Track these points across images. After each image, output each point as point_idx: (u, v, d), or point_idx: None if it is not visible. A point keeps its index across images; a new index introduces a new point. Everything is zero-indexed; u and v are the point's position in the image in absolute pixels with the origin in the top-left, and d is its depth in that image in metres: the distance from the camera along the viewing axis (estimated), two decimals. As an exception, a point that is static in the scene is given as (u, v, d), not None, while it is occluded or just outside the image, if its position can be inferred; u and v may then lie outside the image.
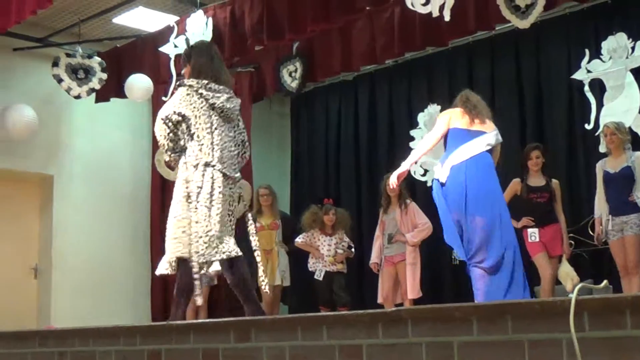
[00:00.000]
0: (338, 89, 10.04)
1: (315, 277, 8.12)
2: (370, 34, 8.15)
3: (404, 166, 5.65)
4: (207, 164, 4.25)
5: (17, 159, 8.38)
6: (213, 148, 4.28)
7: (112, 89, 8.71)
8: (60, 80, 8.41)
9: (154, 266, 8.74)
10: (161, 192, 9.32)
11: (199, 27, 7.92)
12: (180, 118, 4.32)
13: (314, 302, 7.94)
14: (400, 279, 7.72)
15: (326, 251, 8.17)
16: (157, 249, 8.81)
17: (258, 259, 4.59)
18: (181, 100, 4.34)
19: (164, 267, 4.33)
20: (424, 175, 8.87)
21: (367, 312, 2.96)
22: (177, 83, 4.47)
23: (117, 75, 8.68)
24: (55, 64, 8.46)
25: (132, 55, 8.73)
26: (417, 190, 8.59)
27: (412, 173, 8.64)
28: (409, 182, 8.17)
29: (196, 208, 4.21)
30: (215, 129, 4.34)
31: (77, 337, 4.23)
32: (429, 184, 8.02)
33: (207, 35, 7.80)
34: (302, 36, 7.96)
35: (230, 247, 4.22)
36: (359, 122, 9.72)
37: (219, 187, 4.24)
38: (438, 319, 2.73)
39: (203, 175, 4.22)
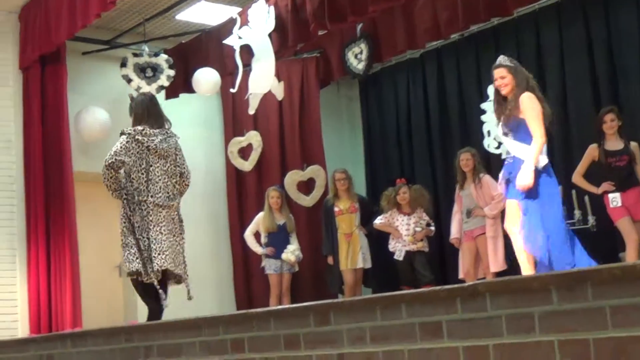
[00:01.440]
0: (405, 68, 9.87)
1: (395, 257, 8.06)
2: (433, 9, 8.01)
3: (531, 163, 5.38)
4: (140, 201, 5.07)
5: (94, 160, 7.91)
6: (147, 185, 5.10)
7: (181, 85, 8.75)
8: (129, 80, 8.43)
9: (235, 258, 9.11)
10: (236, 183, 9.35)
11: (261, 16, 7.90)
12: (120, 164, 5.16)
13: (395, 283, 7.84)
14: (480, 253, 7.63)
15: (405, 231, 8.12)
16: (237, 240, 8.95)
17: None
18: (121, 147, 5.15)
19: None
20: (497, 148, 8.63)
21: (444, 287, 2.93)
22: (120, 131, 5.24)
23: (184, 71, 8.74)
24: (124, 64, 8.52)
25: (197, 49, 8.79)
26: (491, 164, 8.41)
27: (486, 146, 8.51)
28: (483, 156, 8.10)
29: (141, 235, 5.01)
30: (150, 166, 5.15)
31: (161, 330, 4.29)
32: (503, 157, 7.79)
33: (270, 24, 7.77)
34: (364, 17, 7.86)
35: (157, 266, 5.08)
36: (428, 99, 9.54)
37: (154, 216, 5.07)
38: (516, 290, 2.69)
39: (140, 209, 5.04)
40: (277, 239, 8.33)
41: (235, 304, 9.15)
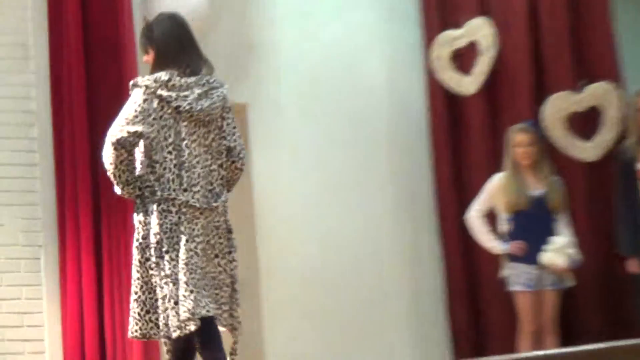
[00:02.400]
0: None
1: None
2: None
3: None
4: (166, 199, 4.14)
5: None
6: (179, 172, 4.17)
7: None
8: None
9: (448, 264, 6.88)
10: (447, 120, 6.98)
11: None
12: (135, 138, 4.13)
13: None
14: None
15: None
16: (450, 228, 6.79)
17: None
18: (136, 110, 4.14)
19: None
20: None
21: None
22: (131, 83, 4.27)
23: None
24: None
25: None
26: None
27: None
28: None
29: (164, 259, 4.13)
30: (183, 140, 4.20)
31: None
32: None
33: None
34: None
35: (184, 315, 4.05)
36: None
37: (187, 227, 4.15)
38: None
39: (166, 213, 4.15)
40: (530, 225, 6.28)
41: (447, 347, 6.82)
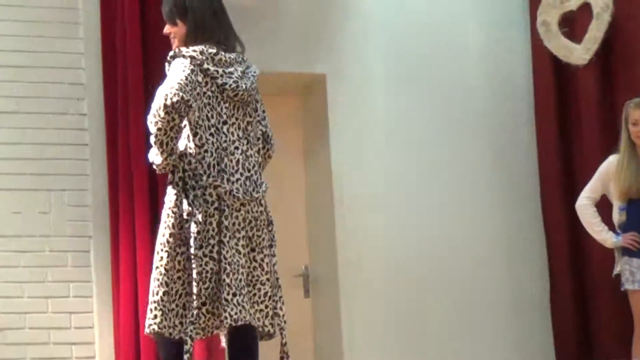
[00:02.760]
0: None
1: None
2: None
3: None
4: (207, 186, 4.00)
5: (252, 49, 5.06)
6: (221, 157, 4.06)
7: None
8: None
9: (554, 258, 6.42)
10: (557, 99, 6.47)
11: None
12: (187, 107, 3.93)
13: None
14: None
15: None
16: (557, 218, 6.31)
17: None
18: (186, 78, 3.92)
19: None
20: None
21: None
22: (171, 53, 4.06)
23: None
24: None
25: None
26: None
27: None
28: None
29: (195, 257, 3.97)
30: (224, 123, 4.08)
31: None
32: None
33: None
34: None
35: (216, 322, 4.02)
36: None
37: (229, 220, 4.02)
38: None
39: (205, 203, 4.00)
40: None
41: (551, 353, 6.35)
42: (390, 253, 6.02)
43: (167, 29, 4.14)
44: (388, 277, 5.97)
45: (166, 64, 4.06)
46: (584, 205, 5.87)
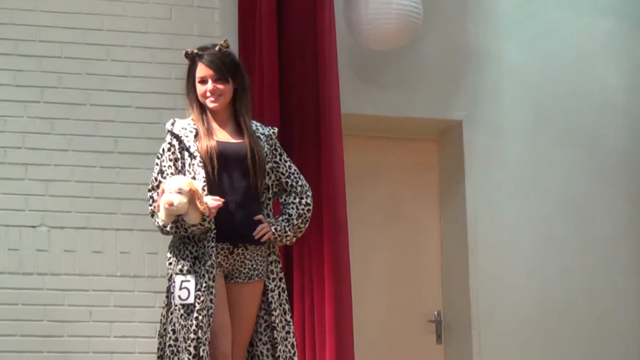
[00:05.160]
0: None
1: None
2: None
3: None
4: None
5: (390, 94, 5.66)
6: None
7: None
8: None
9: None
10: None
11: None
12: None
13: None
14: None
15: None
16: None
17: None
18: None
19: None
20: None
21: None
22: (273, 131, 4.05)
23: None
24: None
25: None
26: None
27: None
28: None
29: None
30: None
31: None
32: None
33: None
34: None
35: None
36: None
37: None
38: None
39: None
40: None
41: None
42: (524, 301, 5.78)
43: (220, 85, 4.01)
44: (522, 327, 5.72)
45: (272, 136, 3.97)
46: None
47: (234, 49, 5.18)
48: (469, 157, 5.83)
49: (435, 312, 5.78)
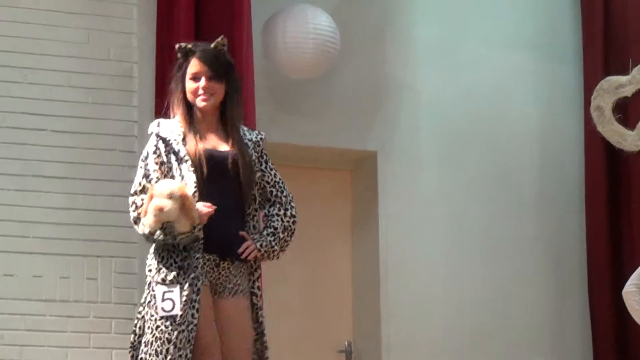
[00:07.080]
0: None
1: None
2: None
3: None
4: None
5: (305, 123, 5.80)
6: None
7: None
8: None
9: (598, 345, 6.45)
10: (608, 184, 6.48)
11: None
12: None
13: None
14: None
15: None
16: (602, 302, 6.37)
17: None
18: None
19: None
20: None
21: None
22: (261, 137, 3.91)
23: None
24: None
25: None
26: None
27: None
28: None
29: None
30: None
31: None
32: None
33: None
34: None
35: None
36: None
37: None
38: None
39: None
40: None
41: None
42: (435, 332, 5.86)
43: (213, 83, 3.87)
44: (433, 357, 5.81)
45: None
46: (631, 292, 5.60)
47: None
48: (382, 188, 5.84)
49: (346, 343, 5.74)
